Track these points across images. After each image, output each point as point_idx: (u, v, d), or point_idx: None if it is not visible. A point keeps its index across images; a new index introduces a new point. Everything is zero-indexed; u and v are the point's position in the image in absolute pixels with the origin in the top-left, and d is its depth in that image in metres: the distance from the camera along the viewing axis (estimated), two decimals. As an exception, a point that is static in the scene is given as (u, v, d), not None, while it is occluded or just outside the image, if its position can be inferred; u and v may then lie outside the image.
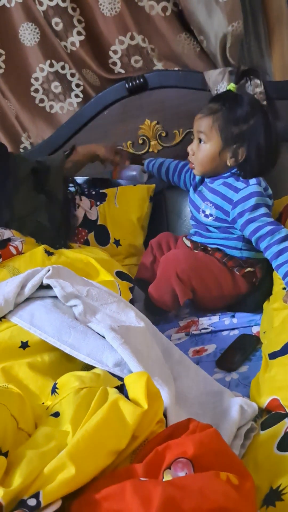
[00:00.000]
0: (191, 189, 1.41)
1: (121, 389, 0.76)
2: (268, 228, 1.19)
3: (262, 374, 0.94)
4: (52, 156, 1.61)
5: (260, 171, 1.27)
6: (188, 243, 1.37)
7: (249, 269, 1.30)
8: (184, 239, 1.41)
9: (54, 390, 0.79)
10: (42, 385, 0.84)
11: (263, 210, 1.22)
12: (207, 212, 1.32)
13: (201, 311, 1.32)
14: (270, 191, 1.29)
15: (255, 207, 1.22)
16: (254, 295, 1.30)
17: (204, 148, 1.29)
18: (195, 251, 1.33)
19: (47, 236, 1.31)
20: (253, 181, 1.25)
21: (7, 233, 1.22)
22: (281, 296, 1.13)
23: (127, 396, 0.71)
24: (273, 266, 1.18)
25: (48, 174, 1.42)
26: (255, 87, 1.45)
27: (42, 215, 1.35)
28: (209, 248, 1.34)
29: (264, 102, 1.40)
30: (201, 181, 1.39)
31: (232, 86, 1.29)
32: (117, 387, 0.76)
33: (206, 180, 1.35)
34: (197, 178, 1.40)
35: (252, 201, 1.22)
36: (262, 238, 1.19)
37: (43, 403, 0.81)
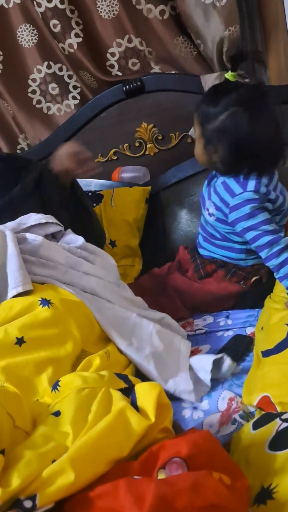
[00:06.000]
0: (206, 182, 1.34)
1: (125, 391, 0.76)
2: (267, 238, 1.14)
3: (253, 372, 0.94)
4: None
5: (249, 170, 1.17)
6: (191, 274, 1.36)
7: (255, 278, 1.27)
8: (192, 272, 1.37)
9: (55, 387, 0.79)
10: (38, 381, 0.84)
11: (261, 216, 1.16)
12: (210, 211, 1.27)
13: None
14: (273, 195, 1.19)
15: (250, 215, 1.16)
16: (256, 293, 1.30)
17: (196, 143, 1.24)
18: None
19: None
20: (251, 186, 1.17)
21: None
22: (283, 299, 1.13)
23: (134, 401, 0.71)
24: (275, 277, 1.16)
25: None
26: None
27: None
28: (213, 265, 1.31)
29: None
30: (215, 175, 1.31)
31: (229, 74, 1.15)
32: (122, 390, 0.76)
33: (217, 174, 1.28)
34: (213, 171, 1.31)
35: (246, 209, 1.16)
36: (260, 248, 1.16)
37: (37, 400, 0.81)
